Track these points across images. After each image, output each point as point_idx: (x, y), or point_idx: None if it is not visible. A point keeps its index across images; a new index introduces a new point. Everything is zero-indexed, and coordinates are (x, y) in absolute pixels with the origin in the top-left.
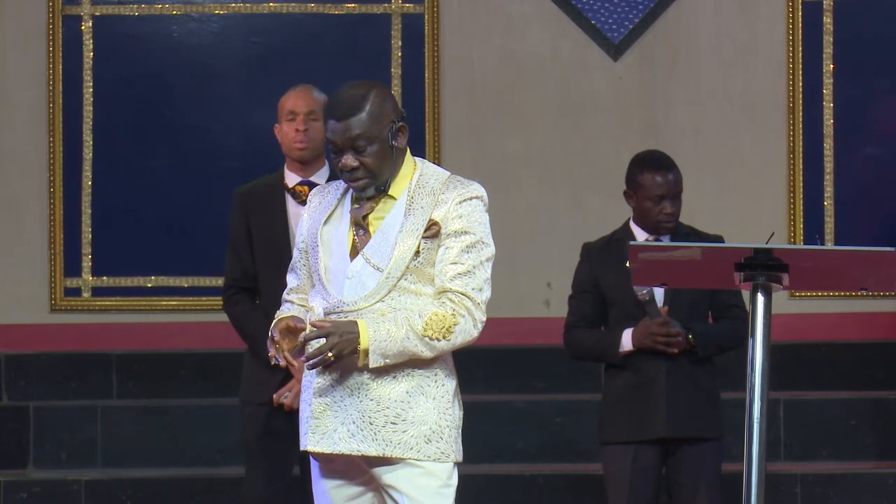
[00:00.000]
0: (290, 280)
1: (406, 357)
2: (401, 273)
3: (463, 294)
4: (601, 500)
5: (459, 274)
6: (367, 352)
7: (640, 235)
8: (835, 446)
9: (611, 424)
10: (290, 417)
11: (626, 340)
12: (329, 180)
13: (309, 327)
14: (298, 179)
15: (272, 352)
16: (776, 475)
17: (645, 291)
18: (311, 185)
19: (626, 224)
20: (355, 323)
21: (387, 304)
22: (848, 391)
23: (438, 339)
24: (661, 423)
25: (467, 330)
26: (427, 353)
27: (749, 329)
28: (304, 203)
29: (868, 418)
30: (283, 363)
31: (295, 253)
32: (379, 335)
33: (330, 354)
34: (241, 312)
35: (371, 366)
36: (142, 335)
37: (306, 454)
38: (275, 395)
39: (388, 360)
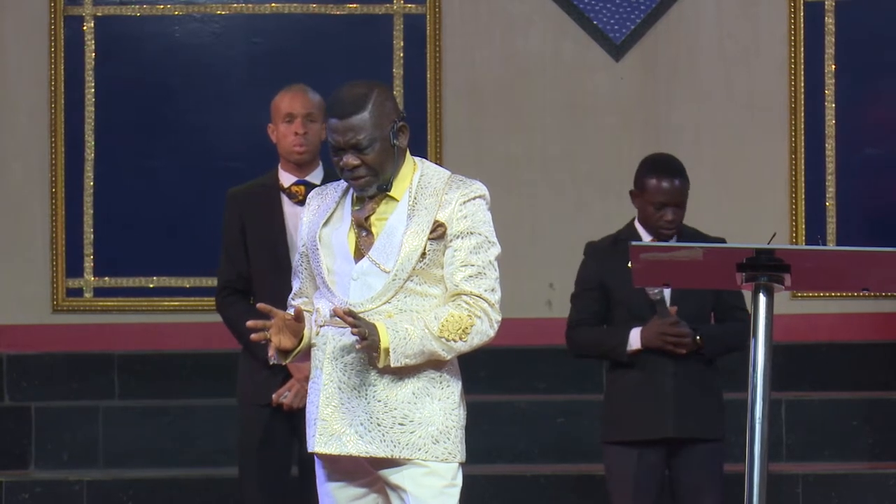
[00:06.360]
0: (294, 284)
1: (426, 357)
2: (407, 275)
3: (478, 296)
4: (603, 501)
5: (471, 276)
6: (388, 350)
7: (646, 237)
8: (836, 447)
9: (615, 424)
10: (290, 419)
11: (635, 339)
12: (324, 180)
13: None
14: (294, 179)
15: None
16: (778, 475)
17: (656, 291)
18: (307, 185)
19: (631, 224)
20: (374, 324)
21: (393, 306)
22: (850, 392)
23: (455, 340)
24: (668, 423)
25: (484, 331)
26: (444, 355)
27: (751, 330)
28: (300, 203)
29: (870, 419)
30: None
31: (296, 257)
32: (398, 335)
33: (356, 330)
34: (238, 314)
35: (392, 365)
36: (143, 336)
37: (307, 455)
38: (274, 395)
39: (408, 360)
